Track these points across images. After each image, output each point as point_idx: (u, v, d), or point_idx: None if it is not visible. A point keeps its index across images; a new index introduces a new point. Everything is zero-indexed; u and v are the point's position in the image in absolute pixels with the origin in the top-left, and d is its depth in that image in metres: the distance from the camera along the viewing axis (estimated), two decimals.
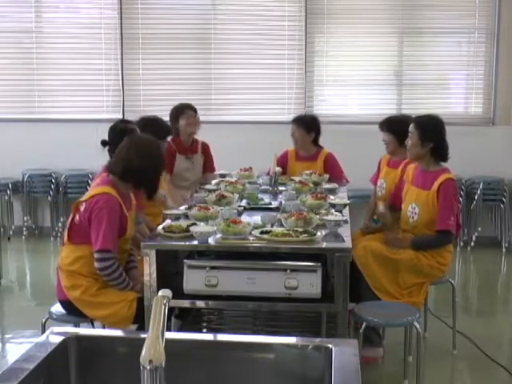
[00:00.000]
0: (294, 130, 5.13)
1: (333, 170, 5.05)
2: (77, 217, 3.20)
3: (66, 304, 3.29)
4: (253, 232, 3.12)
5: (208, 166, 5.26)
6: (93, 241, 3.13)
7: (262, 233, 3.13)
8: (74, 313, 3.28)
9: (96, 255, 3.12)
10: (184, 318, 4.03)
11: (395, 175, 4.36)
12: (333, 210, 3.66)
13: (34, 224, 7.21)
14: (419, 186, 3.89)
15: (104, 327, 3.30)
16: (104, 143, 3.82)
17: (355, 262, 3.63)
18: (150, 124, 4.28)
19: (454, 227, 3.77)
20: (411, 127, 3.91)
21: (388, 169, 4.52)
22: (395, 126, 4.34)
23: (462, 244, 6.71)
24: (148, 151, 3.28)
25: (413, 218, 3.85)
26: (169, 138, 4.71)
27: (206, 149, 5.26)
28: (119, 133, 3.74)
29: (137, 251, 3.64)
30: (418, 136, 3.84)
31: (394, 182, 4.35)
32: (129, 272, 3.35)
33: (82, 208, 3.18)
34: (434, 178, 3.81)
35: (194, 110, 5.16)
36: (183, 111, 5.11)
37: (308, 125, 5.10)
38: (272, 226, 3.33)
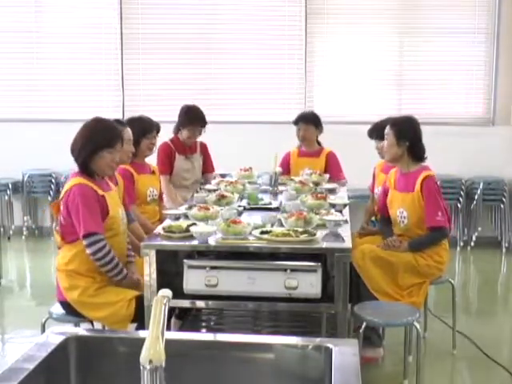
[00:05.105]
0: (303, 127, 5.14)
1: (333, 168, 5.12)
2: (60, 217, 3.24)
3: (66, 305, 3.29)
4: (253, 232, 3.12)
5: (208, 166, 5.21)
6: (77, 230, 3.16)
7: (262, 233, 3.12)
8: (73, 313, 3.28)
9: (84, 242, 3.14)
10: (184, 318, 4.03)
11: None
12: (333, 210, 3.66)
13: (34, 224, 7.22)
14: (402, 190, 3.90)
15: (104, 327, 3.31)
16: None
17: (353, 265, 3.62)
18: (133, 122, 4.23)
19: (445, 222, 3.78)
20: (387, 129, 3.93)
21: (384, 175, 4.49)
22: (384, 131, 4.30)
23: (461, 244, 6.71)
24: (87, 129, 3.36)
25: (403, 222, 3.86)
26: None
27: (204, 148, 5.21)
28: None
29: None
30: (394, 134, 3.86)
31: None
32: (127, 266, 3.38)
33: (61, 207, 3.23)
34: (415, 178, 3.83)
35: (204, 125, 4.96)
36: (193, 123, 4.91)
37: (316, 120, 5.20)
38: (272, 225, 3.32)
